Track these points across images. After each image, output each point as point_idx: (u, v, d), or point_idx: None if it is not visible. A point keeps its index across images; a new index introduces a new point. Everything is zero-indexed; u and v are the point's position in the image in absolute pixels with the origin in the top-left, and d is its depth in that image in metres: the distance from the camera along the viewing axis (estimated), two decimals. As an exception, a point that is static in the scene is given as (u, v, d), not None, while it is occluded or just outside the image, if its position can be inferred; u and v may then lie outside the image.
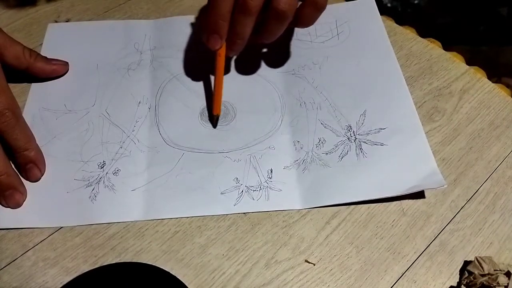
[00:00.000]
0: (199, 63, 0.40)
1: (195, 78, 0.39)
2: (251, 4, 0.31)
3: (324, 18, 0.42)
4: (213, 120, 0.36)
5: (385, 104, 0.36)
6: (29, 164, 0.32)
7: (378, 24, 0.42)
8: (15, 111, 0.32)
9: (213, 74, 0.36)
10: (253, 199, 0.32)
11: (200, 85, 0.38)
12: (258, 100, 0.37)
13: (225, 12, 0.32)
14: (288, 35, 0.42)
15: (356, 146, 0.34)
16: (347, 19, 0.42)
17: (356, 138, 0.35)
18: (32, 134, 0.33)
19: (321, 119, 0.36)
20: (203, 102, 0.37)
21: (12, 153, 0.32)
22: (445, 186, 0.32)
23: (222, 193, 0.32)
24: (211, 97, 0.37)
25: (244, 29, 0.33)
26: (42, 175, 0.33)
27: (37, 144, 0.33)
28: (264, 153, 0.34)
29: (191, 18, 0.43)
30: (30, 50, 0.37)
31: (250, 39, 0.34)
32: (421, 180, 0.32)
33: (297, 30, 0.42)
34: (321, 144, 0.34)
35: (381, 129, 0.35)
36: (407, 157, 0.33)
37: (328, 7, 0.43)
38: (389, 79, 0.38)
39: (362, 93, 0.37)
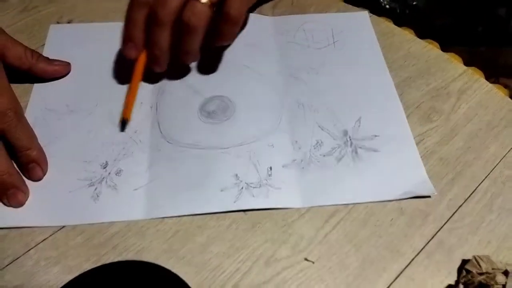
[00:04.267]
0: (199, 60, 0.40)
1: (194, 74, 0.39)
2: (162, 15, 0.32)
3: (321, 26, 0.44)
4: (122, 123, 0.35)
5: (378, 113, 0.37)
6: (31, 164, 0.32)
7: (372, 37, 0.43)
8: (17, 111, 0.32)
9: (212, 66, 0.37)
10: (253, 196, 0.32)
11: (199, 81, 0.39)
12: (257, 97, 0.38)
13: (138, 21, 0.34)
14: (287, 36, 0.43)
15: (352, 151, 0.35)
16: (342, 29, 0.43)
17: (352, 143, 0.35)
18: (34, 134, 0.34)
19: (319, 122, 0.36)
20: (202, 98, 0.38)
21: (14, 153, 0.33)
22: (435, 193, 0.32)
23: (222, 190, 0.32)
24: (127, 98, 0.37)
25: (159, 39, 0.34)
26: (44, 175, 0.33)
27: (39, 144, 0.34)
28: (263, 151, 0.34)
29: None
30: (32, 50, 0.37)
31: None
32: (412, 187, 0.33)
33: (295, 34, 0.43)
34: (319, 146, 0.35)
35: (375, 136, 0.36)
36: (399, 165, 0.34)
37: (325, 15, 0.44)
38: (382, 90, 0.39)
39: (357, 101, 0.38)
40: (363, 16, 0.45)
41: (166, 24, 0.33)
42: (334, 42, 0.42)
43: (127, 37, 0.35)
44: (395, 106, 0.38)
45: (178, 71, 0.39)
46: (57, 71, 0.38)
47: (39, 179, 0.33)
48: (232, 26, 0.34)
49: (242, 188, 0.32)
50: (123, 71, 0.39)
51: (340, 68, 0.40)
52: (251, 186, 0.32)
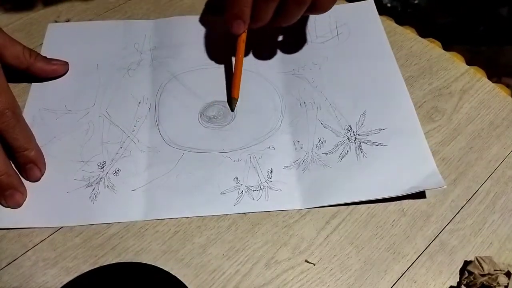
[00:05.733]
0: (199, 63, 0.40)
1: (195, 78, 0.39)
2: None
3: (324, 18, 0.43)
4: (232, 103, 0.36)
5: (385, 105, 0.36)
6: (29, 164, 0.32)
7: (378, 26, 0.42)
8: (15, 111, 0.32)
9: (212, 72, 0.37)
10: (253, 199, 0.32)
11: (200, 85, 0.38)
12: (258, 100, 0.37)
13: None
14: (288, 35, 0.42)
15: (356, 147, 0.34)
16: (347, 21, 0.42)
17: (356, 139, 0.35)
18: (32, 134, 0.33)
19: (321, 119, 0.36)
20: (202, 102, 0.37)
21: (12, 153, 0.32)
22: (445, 186, 0.32)
23: (222, 193, 0.32)
24: (230, 81, 0.38)
25: (266, 14, 0.35)
26: (42, 175, 0.33)
27: (37, 144, 0.33)
28: (264, 153, 0.34)
29: (191, 18, 0.43)
30: (30, 50, 0.37)
31: (269, 22, 0.36)
32: (421, 180, 0.32)
33: (297, 31, 0.42)
34: (321, 144, 0.35)
35: (381, 129, 0.35)
36: (407, 158, 0.33)
37: None
38: (388, 80, 0.38)
39: (362, 94, 0.37)
40: (368, 5, 0.44)
41: (276, 0, 0.34)
42: (338, 35, 0.42)
43: (235, 14, 0.35)
44: (402, 96, 0.37)
45: (178, 73, 0.39)
46: (55, 70, 0.38)
47: (37, 180, 0.32)
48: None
49: (242, 191, 0.32)
50: (122, 70, 0.39)
51: (344, 61, 0.40)
52: (251, 189, 0.32)
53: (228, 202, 0.32)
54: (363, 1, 0.44)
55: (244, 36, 0.36)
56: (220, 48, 0.41)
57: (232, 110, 0.36)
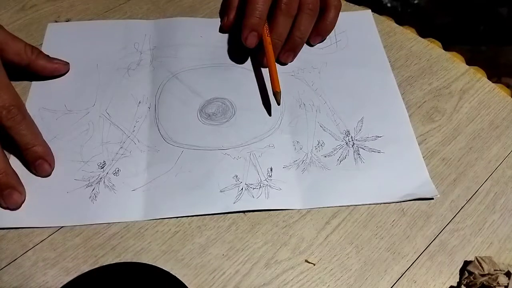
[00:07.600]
0: (199, 61, 0.40)
1: (194, 76, 0.39)
2: (293, 7, 0.37)
3: None
4: (276, 97, 0.36)
5: (381, 113, 0.37)
6: (38, 160, 0.32)
7: (375, 36, 0.43)
8: (21, 107, 0.32)
9: (212, 70, 0.38)
10: (253, 197, 0.32)
11: (199, 83, 0.38)
12: (258, 98, 0.38)
13: (264, 13, 0.37)
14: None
15: (354, 151, 0.34)
16: (345, 29, 0.43)
17: (354, 144, 0.35)
18: (39, 130, 0.33)
19: (320, 122, 0.36)
20: (201, 100, 0.37)
21: (19, 150, 0.32)
22: (438, 195, 0.32)
23: (221, 191, 0.32)
24: (264, 79, 0.39)
25: (285, 29, 0.38)
26: (52, 170, 0.32)
27: (44, 140, 0.33)
28: (263, 151, 0.34)
29: (191, 20, 0.43)
30: (32, 47, 0.37)
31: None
32: (415, 189, 0.32)
33: None
34: (320, 147, 0.35)
35: (378, 136, 0.35)
36: (402, 166, 0.34)
37: None
38: (385, 90, 0.39)
39: (360, 101, 0.38)
40: (366, 15, 0.44)
41: (293, 15, 0.38)
42: (336, 42, 0.42)
43: (252, 27, 0.37)
44: (398, 106, 0.37)
45: (177, 72, 0.39)
46: (56, 69, 0.38)
47: (47, 175, 0.32)
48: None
49: (242, 189, 0.32)
50: (122, 70, 0.39)
51: (343, 67, 0.40)
52: (251, 187, 0.32)
53: (228, 200, 0.32)
54: (361, 11, 0.45)
55: (269, 40, 0.37)
56: (220, 48, 0.41)
57: (278, 103, 0.36)
